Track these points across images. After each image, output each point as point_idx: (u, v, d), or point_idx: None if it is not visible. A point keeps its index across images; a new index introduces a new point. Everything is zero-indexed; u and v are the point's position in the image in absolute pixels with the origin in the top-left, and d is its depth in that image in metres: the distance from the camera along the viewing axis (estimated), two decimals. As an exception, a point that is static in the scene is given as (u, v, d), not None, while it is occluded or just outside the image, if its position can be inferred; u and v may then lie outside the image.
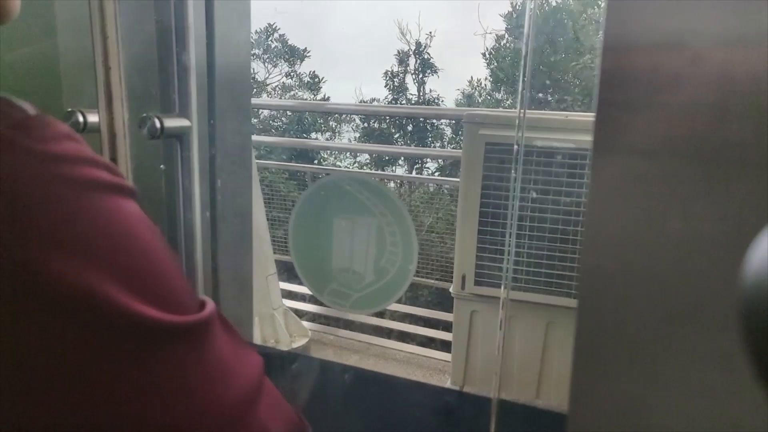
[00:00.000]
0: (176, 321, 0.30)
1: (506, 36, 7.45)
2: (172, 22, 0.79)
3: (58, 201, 0.28)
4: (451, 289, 1.92)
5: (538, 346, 1.80)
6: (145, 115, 0.76)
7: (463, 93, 7.85)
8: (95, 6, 0.67)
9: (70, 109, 0.78)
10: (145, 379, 0.29)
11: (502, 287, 1.67)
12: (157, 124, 0.76)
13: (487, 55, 7.68)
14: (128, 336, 0.28)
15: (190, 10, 0.79)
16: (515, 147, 1.54)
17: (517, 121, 1.06)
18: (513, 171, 1.54)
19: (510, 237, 1.66)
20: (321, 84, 9.52)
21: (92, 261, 0.28)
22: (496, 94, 7.89)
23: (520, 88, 0.90)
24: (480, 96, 8.11)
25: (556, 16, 6.60)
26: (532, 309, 1.73)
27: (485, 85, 8.05)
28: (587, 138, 1.55)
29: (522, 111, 0.98)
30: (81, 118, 0.78)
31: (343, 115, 8.33)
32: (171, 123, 0.79)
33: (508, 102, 7.64)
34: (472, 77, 8.01)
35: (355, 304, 1.53)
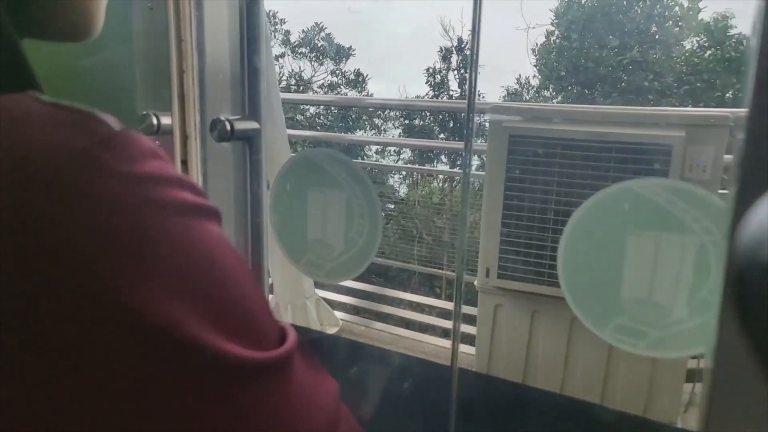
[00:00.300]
0: (260, 358, 0.29)
1: (555, 31, 7.31)
2: (244, 25, 0.78)
3: (146, 226, 0.27)
4: (475, 282, 1.93)
5: (563, 341, 1.78)
6: (215, 117, 0.76)
7: (507, 90, 7.75)
8: (172, 11, 0.68)
9: (144, 112, 0.81)
10: (228, 418, 0.28)
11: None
12: (228, 127, 0.76)
13: (536, 52, 7.55)
14: (211, 373, 0.27)
15: (262, 11, 0.78)
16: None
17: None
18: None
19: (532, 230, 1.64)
20: (366, 81, 9.58)
21: (178, 293, 0.27)
22: (545, 92, 7.75)
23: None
24: (528, 93, 7.99)
25: (604, 12, 6.44)
26: (555, 303, 1.71)
27: (533, 83, 7.93)
28: (614, 130, 1.51)
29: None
30: (155, 121, 0.80)
31: (387, 112, 8.37)
32: (241, 125, 0.78)
33: (557, 99, 7.50)
34: (519, 75, 7.91)
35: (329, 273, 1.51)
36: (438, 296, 4.82)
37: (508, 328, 1.86)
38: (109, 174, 0.26)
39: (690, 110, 1.96)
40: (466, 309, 3.07)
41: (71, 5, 0.39)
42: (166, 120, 0.79)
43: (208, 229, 0.31)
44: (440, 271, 3.71)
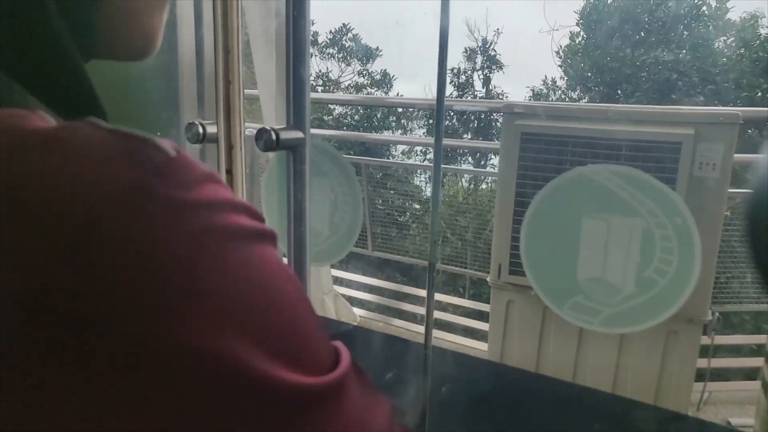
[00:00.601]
0: (316, 384, 0.29)
1: (581, 32, 7.25)
2: (291, 36, 0.79)
3: (201, 257, 0.26)
4: (488, 279, 1.95)
5: (574, 337, 1.80)
6: (262, 127, 0.77)
7: (533, 91, 7.72)
8: (219, 22, 0.70)
9: (190, 121, 0.83)
10: None
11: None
12: (273, 136, 0.77)
13: (561, 54, 7.50)
14: (268, 403, 0.27)
15: (307, 24, 0.79)
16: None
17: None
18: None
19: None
20: (392, 82, 9.63)
21: (235, 323, 0.26)
22: (572, 93, 7.69)
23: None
24: (554, 94, 7.94)
25: (628, 9, 6.37)
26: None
27: (559, 84, 7.88)
28: (624, 128, 1.54)
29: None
30: (200, 130, 0.83)
31: (413, 113, 8.41)
32: (285, 135, 0.79)
33: (584, 99, 7.44)
34: (546, 76, 7.86)
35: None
36: (461, 295, 4.83)
37: (520, 324, 1.88)
38: (161, 202, 0.26)
39: (700, 108, 1.96)
40: (482, 306, 3.09)
41: (136, 24, 0.40)
42: (210, 129, 0.81)
43: (265, 254, 0.30)
44: (464, 270, 3.73)
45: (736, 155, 1.52)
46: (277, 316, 0.29)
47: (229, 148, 0.75)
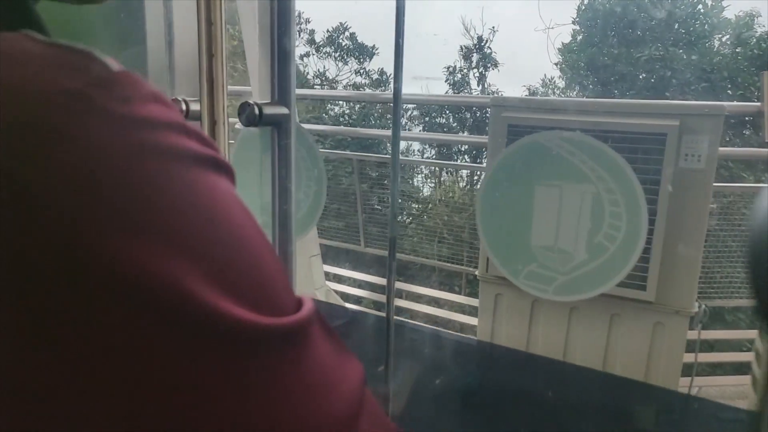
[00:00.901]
0: (271, 324, 0.26)
1: (578, 30, 7.26)
2: (275, 6, 0.75)
3: (141, 174, 0.24)
4: (476, 272, 1.95)
5: (562, 329, 1.80)
6: (244, 101, 0.74)
7: (529, 89, 7.74)
8: None
9: (174, 98, 0.81)
10: (233, 391, 0.25)
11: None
12: (256, 111, 0.74)
13: (559, 54, 7.52)
14: (215, 340, 0.24)
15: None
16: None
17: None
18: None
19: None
20: (389, 81, 9.63)
21: (179, 249, 0.24)
22: (568, 92, 7.71)
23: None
24: (552, 93, 7.95)
25: (624, 8, 6.38)
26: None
27: (556, 82, 7.89)
28: (610, 120, 1.54)
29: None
30: (183, 106, 0.80)
31: (410, 111, 8.42)
32: (270, 110, 0.76)
33: (580, 97, 7.45)
34: (545, 75, 7.88)
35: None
36: (457, 293, 4.84)
37: (509, 317, 1.88)
38: (101, 115, 0.24)
39: (685, 102, 1.97)
40: (472, 301, 3.09)
41: None
42: (194, 106, 0.78)
43: (218, 184, 0.27)
44: (460, 267, 3.74)
45: (728, 149, 1.53)
46: (230, 248, 0.27)
47: (213, 123, 0.72)
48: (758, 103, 2.08)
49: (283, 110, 0.78)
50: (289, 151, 0.79)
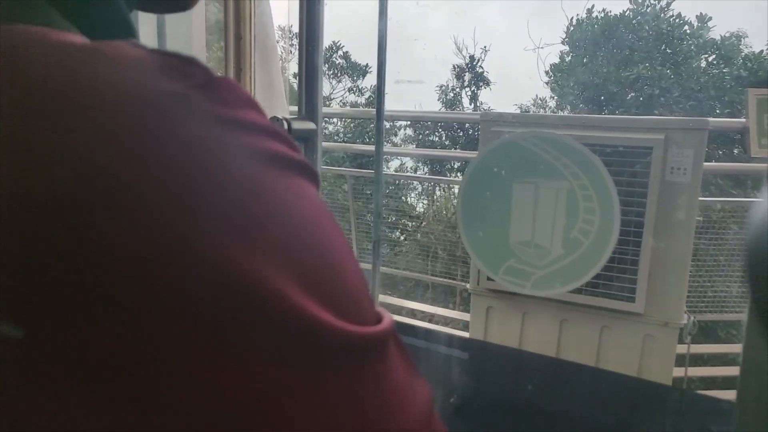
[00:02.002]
0: (361, 332, 0.26)
1: (569, 52, 7.37)
2: (304, 24, 0.76)
3: (242, 177, 0.24)
4: (467, 286, 1.97)
5: (553, 342, 1.81)
6: (273, 116, 0.74)
7: (521, 108, 7.83)
8: (231, 7, 0.67)
9: None
10: (323, 395, 0.24)
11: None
12: (285, 126, 0.74)
13: (549, 73, 7.63)
14: (307, 346, 0.24)
15: (322, 10, 0.76)
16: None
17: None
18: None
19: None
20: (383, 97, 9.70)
21: (280, 254, 0.24)
22: (561, 112, 7.81)
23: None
24: (544, 112, 8.05)
25: (612, 28, 6.51)
26: (545, 304, 1.75)
27: (541, 100, 8.01)
28: (597, 134, 1.57)
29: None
30: None
31: (404, 129, 8.49)
32: (298, 125, 0.76)
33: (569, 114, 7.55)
34: (536, 95, 7.98)
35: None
36: (452, 309, 4.83)
37: (500, 330, 1.90)
38: (203, 114, 0.24)
39: (670, 117, 2.01)
40: (465, 316, 3.09)
41: None
42: None
43: (309, 190, 0.27)
44: (453, 281, 3.75)
45: (717, 164, 1.56)
46: (322, 255, 0.26)
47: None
48: (743, 120, 2.12)
49: (311, 125, 0.79)
50: (317, 166, 0.80)
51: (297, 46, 0.78)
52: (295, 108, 0.79)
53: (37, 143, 0.21)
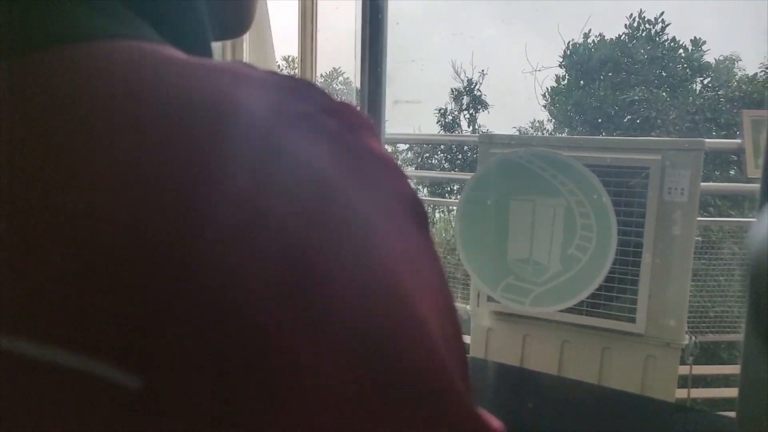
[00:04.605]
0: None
1: (566, 75, 7.47)
2: (367, 35, 0.76)
3: (377, 212, 0.22)
4: (467, 307, 1.96)
5: (554, 363, 1.80)
6: None
7: (519, 131, 7.89)
8: (298, 20, 0.66)
9: None
10: None
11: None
12: None
13: (547, 96, 7.71)
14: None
15: (386, 25, 0.76)
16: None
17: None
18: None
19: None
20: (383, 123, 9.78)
21: (441, 342, 0.21)
22: (558, 134, 7.87)
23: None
24: (543, 134, 8.12)
25: (608, 52, 6.61)
26: (546, 326, 1.75)
27: (542, 124, 8.08)
28: (600, 155, 1.59)
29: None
30: None
31: (404, 153, 8.54)
32: None
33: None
34: (534, 119, 8.06)
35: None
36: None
37: (501, 352, 1.88)
38: (332, 137, 0.23)
39: (667, 138, 2.03)
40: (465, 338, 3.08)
41: (240, 4, 0.38)
42: None
43: (429, 237, 0.25)
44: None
45: (715, 184, 1.58)
46: (454, 321, 0.23)
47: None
48: (738, 140, 2.14)
49: (375, 135, 0.80)
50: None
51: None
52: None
53: (166, 162, 0.19)
